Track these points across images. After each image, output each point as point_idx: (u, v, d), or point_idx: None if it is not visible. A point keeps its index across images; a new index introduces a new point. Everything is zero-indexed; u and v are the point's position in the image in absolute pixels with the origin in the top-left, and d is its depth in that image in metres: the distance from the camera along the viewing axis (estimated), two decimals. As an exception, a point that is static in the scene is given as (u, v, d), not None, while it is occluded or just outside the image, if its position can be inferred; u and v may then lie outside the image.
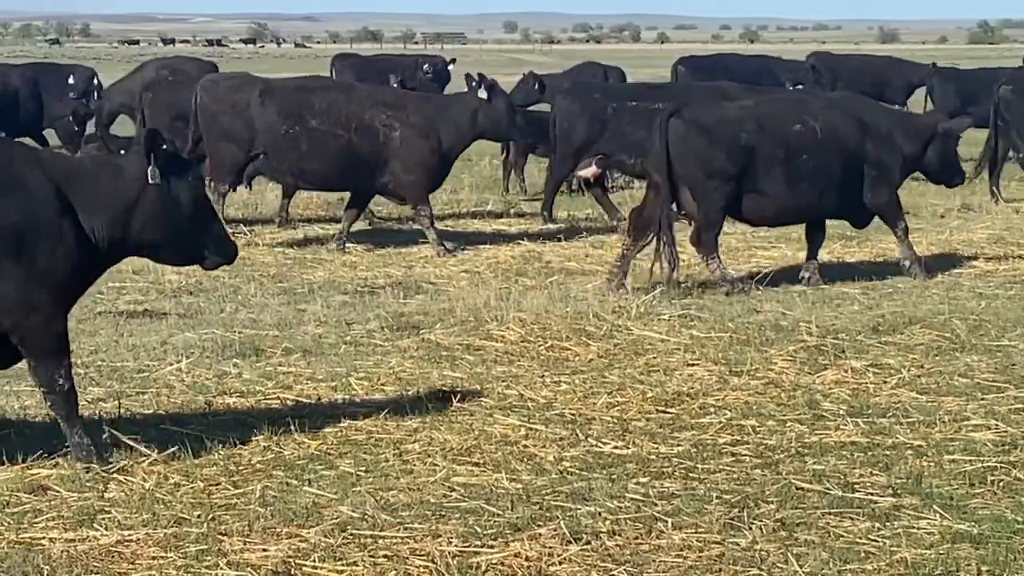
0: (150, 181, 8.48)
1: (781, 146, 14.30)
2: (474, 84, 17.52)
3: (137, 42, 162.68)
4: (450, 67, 36.05)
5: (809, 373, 10.73)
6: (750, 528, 7.47)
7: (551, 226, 18.86)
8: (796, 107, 14.94)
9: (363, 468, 8.50)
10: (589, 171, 19.08)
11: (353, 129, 16.83)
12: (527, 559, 7.06)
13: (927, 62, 32.09)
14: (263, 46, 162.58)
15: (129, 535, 7.39)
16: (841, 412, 9.68)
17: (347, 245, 17.06)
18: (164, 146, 8.54)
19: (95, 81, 27.62)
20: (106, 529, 7.48)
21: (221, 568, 6.98)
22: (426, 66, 35.70)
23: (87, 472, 8.33)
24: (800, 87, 26.73)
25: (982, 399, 10.00)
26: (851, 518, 7.63)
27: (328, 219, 19.45)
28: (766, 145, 14.26)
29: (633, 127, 18.68)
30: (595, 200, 19.67)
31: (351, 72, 34.26)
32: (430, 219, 17.07)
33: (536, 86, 26.73)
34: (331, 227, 18.35)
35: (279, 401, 10.01)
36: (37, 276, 8.22)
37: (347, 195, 17.69)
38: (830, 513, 7.71)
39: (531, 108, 23.88)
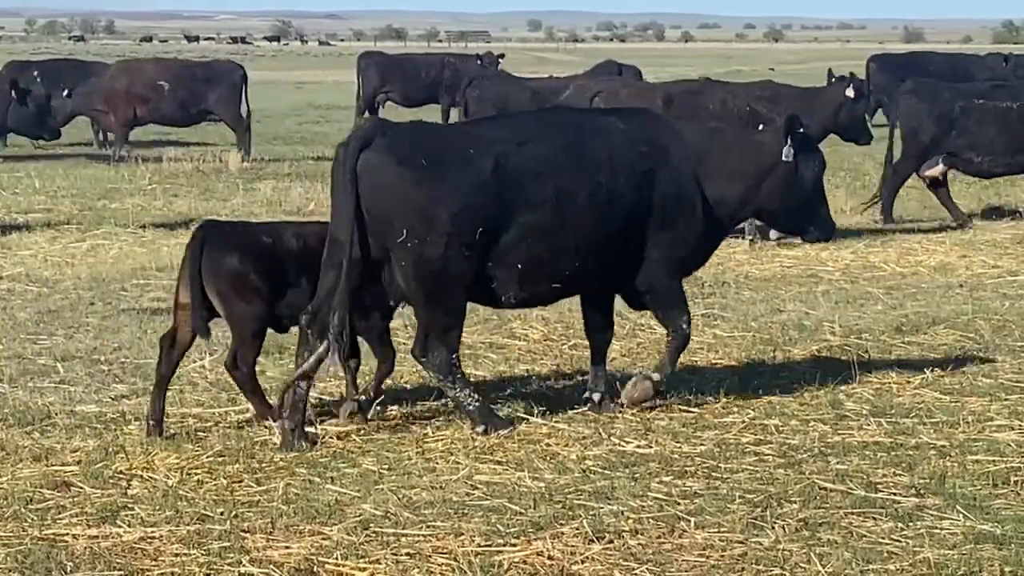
0: (784, 159, 9.37)
1: None
2: (835, 80, 17.72)
3: (151, 39, 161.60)
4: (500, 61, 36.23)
5: (832, 373, 10.71)
6: (773, 528, 7.45)
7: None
8: None
9: (386, 466, 8.51)
10: (936, 170, 18.77)
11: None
12: (550, 558, 7.06)
13: None
14: (287, 44, 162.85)
15: (152, 532, 7.41)
16: (864, 412, 9.66)
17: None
18: (801, 130, 9.43)
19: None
20: (129, 526, 7.50)
21: (244, 565, 6.99)
22: (479, 62, 35.83)
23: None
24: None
25: (1006, 399, 9.97)
26: (874, 518, 7.62)
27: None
28: None
29: (981, 126, 18.55)
30: (939, 200, 19.10)
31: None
32: None
33: None
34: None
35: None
36: (679, 240, 9.39)
37: None
38: (853, 513, 7.69)
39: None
